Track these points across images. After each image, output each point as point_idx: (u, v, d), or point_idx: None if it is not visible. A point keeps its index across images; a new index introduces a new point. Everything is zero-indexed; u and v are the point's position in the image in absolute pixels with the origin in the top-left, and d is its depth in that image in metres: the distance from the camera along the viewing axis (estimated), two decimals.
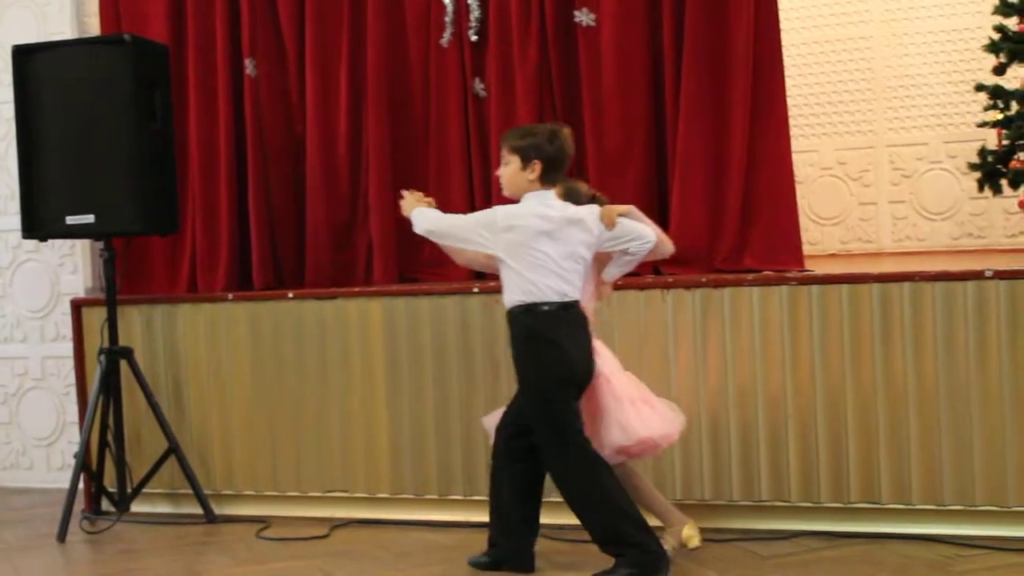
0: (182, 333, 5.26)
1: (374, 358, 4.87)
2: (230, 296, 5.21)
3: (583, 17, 4.85)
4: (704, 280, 4.33)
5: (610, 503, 3.70)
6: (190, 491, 5.02)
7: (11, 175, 5.50)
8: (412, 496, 4.79)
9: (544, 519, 4.19)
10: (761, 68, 4.65)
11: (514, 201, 3.92)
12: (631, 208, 3.96)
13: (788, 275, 4.30)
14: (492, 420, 4.07)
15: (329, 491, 4.96)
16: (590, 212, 3.84)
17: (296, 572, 4.21)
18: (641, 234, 3.90)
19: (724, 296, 4.27)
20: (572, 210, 3.84)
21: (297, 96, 5.43)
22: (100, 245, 5.25)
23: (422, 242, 5.13)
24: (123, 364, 5.05)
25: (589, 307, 3.92)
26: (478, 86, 5.12)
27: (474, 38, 5.08)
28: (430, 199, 4.24)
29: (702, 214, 4.69)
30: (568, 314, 3.81)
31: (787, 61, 4.95)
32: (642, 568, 3.63)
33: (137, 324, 5.31)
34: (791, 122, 4.93)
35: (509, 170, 3.88)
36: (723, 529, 4.18)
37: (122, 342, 5.07)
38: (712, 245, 4.68)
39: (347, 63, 5.31)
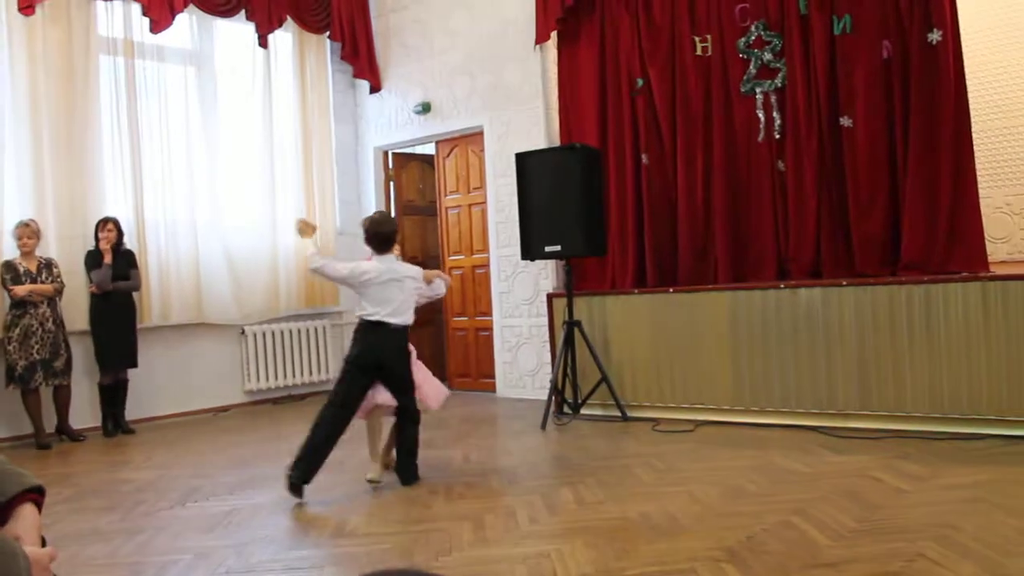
0: (608, 312, 6.75)
1: (721, 327, 6.18)
2: (635, 291, 6.71)
3: (845, 121, 6.11)
4: (926, 279, 5.40)
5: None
6: (613, 403, 6.51)
7: (514, 224, 7.39)
8: (742, 408, 6.09)
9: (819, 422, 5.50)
10: (958, 147, 5.61)
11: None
12: (438, 272, 5.02)
13: (980, 275, 5.26)
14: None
15: (694, 403, 6.32)
16: (418, 272, 4.82)
17: (682, 452, 5.10)
18: (438, 289, 5.00)
19: (938, 290, 5.34)
20: (407, 268, 4.81)
21: (671, 176, 6.93)
22: (562, 264, 6.97)
23: (746, 255, 6.43)
24: (575, 331, 6.55)
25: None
26: (780, 165, 6.41)
27: (778, 136, 6.45)
28: (315, 224, 5.34)
29: (922, 238, 5.69)
30: (394, 329, 4.69)
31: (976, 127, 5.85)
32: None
33: (583, 307, 6.82)
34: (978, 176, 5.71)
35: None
36: None
37: (575, 317, 6.61)
38: (929, 256, 5.68)
39: (702, 154, 6.79)
